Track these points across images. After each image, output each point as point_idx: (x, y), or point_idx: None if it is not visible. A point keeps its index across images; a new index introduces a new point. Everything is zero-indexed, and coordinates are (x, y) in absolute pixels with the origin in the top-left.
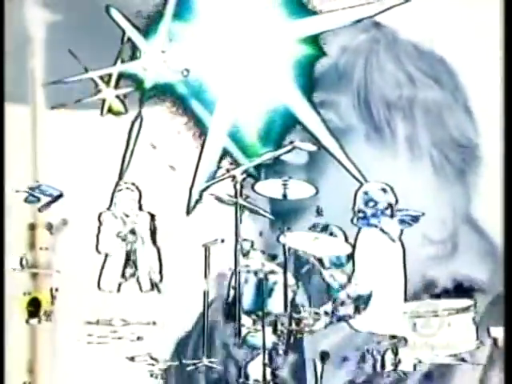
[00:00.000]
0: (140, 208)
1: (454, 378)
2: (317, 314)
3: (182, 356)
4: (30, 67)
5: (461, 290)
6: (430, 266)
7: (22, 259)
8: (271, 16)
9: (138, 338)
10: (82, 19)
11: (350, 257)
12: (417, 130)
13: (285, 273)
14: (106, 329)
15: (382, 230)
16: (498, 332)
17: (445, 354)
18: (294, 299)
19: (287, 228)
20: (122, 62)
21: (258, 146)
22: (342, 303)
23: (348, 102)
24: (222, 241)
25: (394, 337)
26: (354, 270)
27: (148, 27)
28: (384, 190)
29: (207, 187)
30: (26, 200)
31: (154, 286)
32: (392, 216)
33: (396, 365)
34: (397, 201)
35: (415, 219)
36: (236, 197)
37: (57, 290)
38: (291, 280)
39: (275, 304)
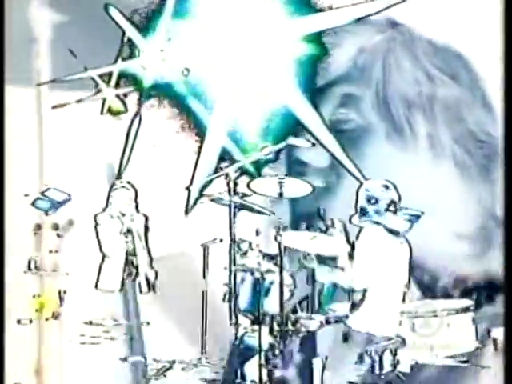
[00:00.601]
0: (137, 207)
1: (453, 379)
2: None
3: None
4: (35, 68)
5: (494, 286)
6: (459, 262)
7: (30, 262)
8: (273, 13)
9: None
10: (87, 19)
11: (351, 255)
12: (437, 128)
13: (281, 272)
14: (97, 329)
15: (385, 227)
16: (498, 333)
17: (444, 354)
18: (290, 299)
19: (284, 227)
20: (123, 60)
21: (258, 146)
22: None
23: (368, 101)
24: (221, 240)
25: (391, 338)
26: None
27: (146, 25)
28: (386, 187)
29: (205, 186)
30: (33, 204)
31: (151, 286)
32: (395, 212)
33: (395, 366)
34: (400, 197)
35: (416, 218)
36: (230, 195)
37: (65, 292)
38: (288, 280)
39: (272, 304)
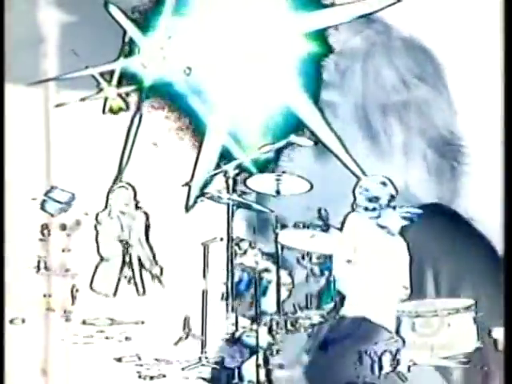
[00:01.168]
0: (136, 205)
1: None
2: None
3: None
4: (42, 68)
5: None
6: None
7: (39, 262)
8: (276, 9)
9: (126, 339)
10: (93, 19)
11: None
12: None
13: (277, 271)
14: (92, 328)
15: (379, 225)
16: (499, 333)
17: (444, 355)
18: (289, 298)
19: (281, 225)
20: (124, 58)
21: (259, 144)
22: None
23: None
24: (221, 239)
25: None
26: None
27: (146, 23)
28: (384, 184)
29: (205, 185)
30: (42, 207)
31: (156, 278)
32: (394, 208)
33: (395, 366)
34: (397, 191)
35: (417, 216)
36: (228, 193)
37: (77, 290)
38: (287, 279)
39: (270, 303)
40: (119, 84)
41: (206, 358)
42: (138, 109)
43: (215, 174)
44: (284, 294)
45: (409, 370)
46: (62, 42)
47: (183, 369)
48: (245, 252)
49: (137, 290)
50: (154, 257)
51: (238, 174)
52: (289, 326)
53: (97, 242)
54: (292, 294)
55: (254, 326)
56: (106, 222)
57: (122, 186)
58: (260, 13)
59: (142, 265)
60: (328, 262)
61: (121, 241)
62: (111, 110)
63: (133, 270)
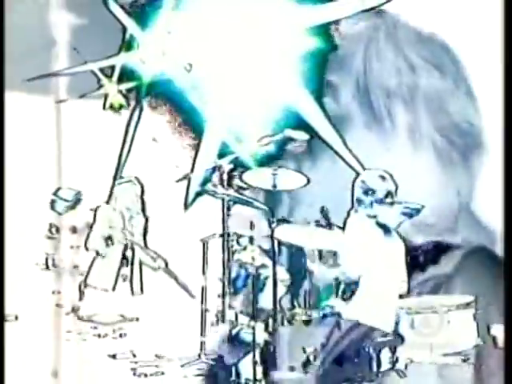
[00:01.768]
0: (143, 203)
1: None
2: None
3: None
4: (54, 70)
5: None
6: None
7: (47, 259)
8: (279, 3)
9: (121, 335)
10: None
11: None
12: (418, 118)
13: (274, 267)
14: (86, 325)
15: (377, 222)
16: (498, 330)
17: (444, 352)
18: (287, 294)
19: (278, 220)
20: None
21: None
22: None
23: (347, 90)
24: (221, 235)
25: (387, 334)
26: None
27: (145, 18)
28: (382, 178)
29: (205, 181)
30: (52, 207)
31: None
32: (392, 204)
33: (393, 363)
34: (397, 188)
35: (416, 211)
36: (223, 187)
37: (85, 286)
38: (285, 275)
39: (267, 300)
40: (119, 80)
41: (206, 354)
42: (138, 105)
43: (213, 171)
44: (282, 290)
45: (406, 367)
46: (74, 44)
47: (182, 366)
48: (244, 248)
49: (132, 289)
50: (155, 252)
51: (234, 169)
52: (285, 323)
53: (91, 233)
54: (290, 290)
55: (252, 323)
56: (109, 214)
57: (130, 181)
58: (262, 7)
59: (141, 262)
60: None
61: (123, 234)
62: (112, 107)
63: (132, 266)
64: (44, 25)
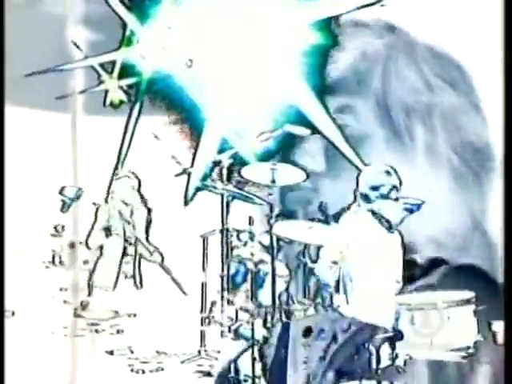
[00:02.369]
0: (141, 197)
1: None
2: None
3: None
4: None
5: None
6: None
7: (53, 256)
8: None
9: (118, 332)
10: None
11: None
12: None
13: (272, 262)
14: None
15: (379, 218)
16: (499, 326)
17: (443, 348)
18: (286, 290)
19: (276, 216)
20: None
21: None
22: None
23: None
24: (221, 231)
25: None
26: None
27: (144, 12)
28: (387, 173)
29: (205, 177)
30: (62, 209)
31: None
32: (397, 199)
33: (393, 359)
34: (400, 182)
35: (417, 207)
36: (222, 182)
37: (91, 284)
38: (284, 271)
39: (266, 295)
40: (119, 77)
41: (206, 351)
42: (138, 100)
43: (213, 166)
44: (281, 286)
45: (405, 363)
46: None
47: (182, 362)
48: (245, 244)
49: (135, 283)
50: (154, 246)
51: (233, 164)
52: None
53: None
54: (290, 286)
55: (251, 319)
56: (109, 211)
57: (126, 176)
58: (263, 1)
59: (141, 256)
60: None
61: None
62: (112, 104)
63: (134, 260)
64: (61, 41)
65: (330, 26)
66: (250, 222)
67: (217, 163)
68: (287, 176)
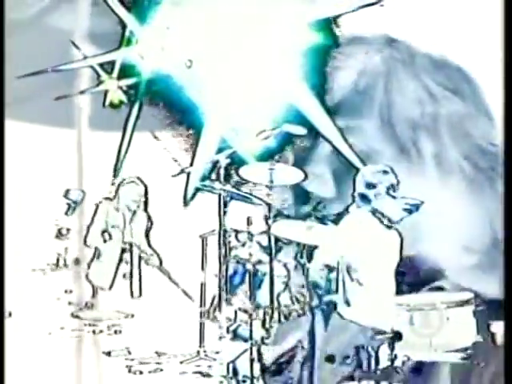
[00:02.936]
0: (146, 203)
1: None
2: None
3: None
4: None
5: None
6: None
7: (58, 259)
8: None
9: (116, 332)
10: None
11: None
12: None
13: (271, 263)
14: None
15: (379, 218)
16: (498, 327)
17: (442, 349)
18: (285, 291)
19: (274, 216)
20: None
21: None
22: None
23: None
24: (219, 232)
25: (385, 332)
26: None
27: (143, 12)
28: (384, 172)
29: (205, 177)
30: (66, 212)
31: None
32: (394, 197)
33: (392, 360)
34: (398, 181)
35: (416, 208)
36: (220, 182)
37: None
38: (283, 271)
39: (264, 296)
40: (119, 77)
41: (205, 351)
42: (137, 101)
43: (213, 167)
44: (280, 286)
45: (403, 364)
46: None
47: (181, 362)
48: (243, 244)
49: (131, 291)
50: (153, 249)
51: (231, 164)
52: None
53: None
54: (288, 287)
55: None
56: (111, 213)
57: (133, 182)
58: (263, 1)
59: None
60: None
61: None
62: (111, 104)
63: (131, 268)
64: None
65: (329, 26)
66: (249, 222)
67: (214, 163)
68: (285, 176)
